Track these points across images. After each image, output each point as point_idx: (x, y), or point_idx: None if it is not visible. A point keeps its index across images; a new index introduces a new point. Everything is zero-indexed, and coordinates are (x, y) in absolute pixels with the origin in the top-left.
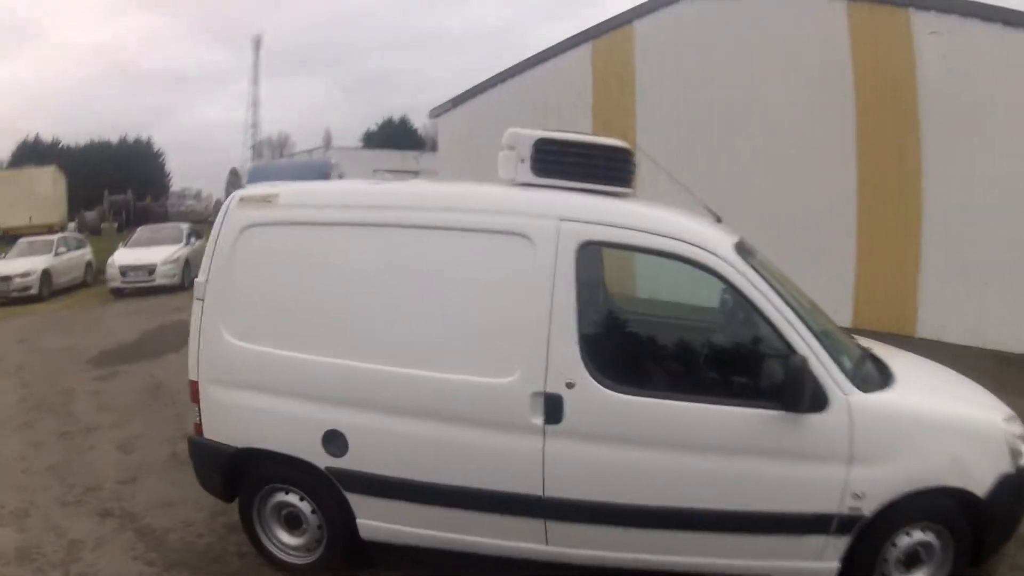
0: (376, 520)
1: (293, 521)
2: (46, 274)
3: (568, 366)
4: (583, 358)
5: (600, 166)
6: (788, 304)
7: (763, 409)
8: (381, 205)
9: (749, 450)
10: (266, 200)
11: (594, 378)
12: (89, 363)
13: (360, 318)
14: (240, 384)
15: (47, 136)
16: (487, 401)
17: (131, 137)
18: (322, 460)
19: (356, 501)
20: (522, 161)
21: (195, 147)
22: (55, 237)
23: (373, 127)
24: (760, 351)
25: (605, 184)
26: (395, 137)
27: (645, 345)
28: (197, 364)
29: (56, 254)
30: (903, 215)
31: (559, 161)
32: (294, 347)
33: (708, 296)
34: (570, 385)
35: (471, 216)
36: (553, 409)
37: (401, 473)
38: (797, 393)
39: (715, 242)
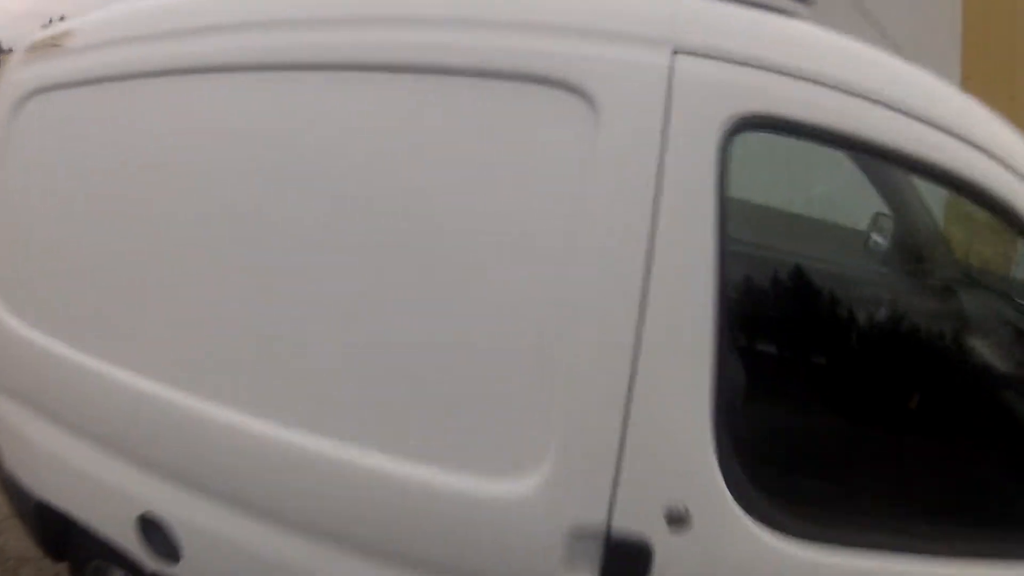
0: None
1: None
2: None
3: (680, 460)
4: (717, 443)
5: None
6: None
7: None
8: (268, 21)
9: None
10: (55, 43)
11: (741, 502)
12: None
13: (209, 294)
14: (25, 397)
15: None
16: (463, 533)
17: None
18: (145, 558)
19: None
20: None
21: None
22: None
23: None
24: None
25: None
26: None
27: (863, 418)
28: None
29: None
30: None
31: None
32: (93, 348)
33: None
34: (677, 519)
35: (453, 36)
36: (623, 573)
37: None
38: None
39: None
